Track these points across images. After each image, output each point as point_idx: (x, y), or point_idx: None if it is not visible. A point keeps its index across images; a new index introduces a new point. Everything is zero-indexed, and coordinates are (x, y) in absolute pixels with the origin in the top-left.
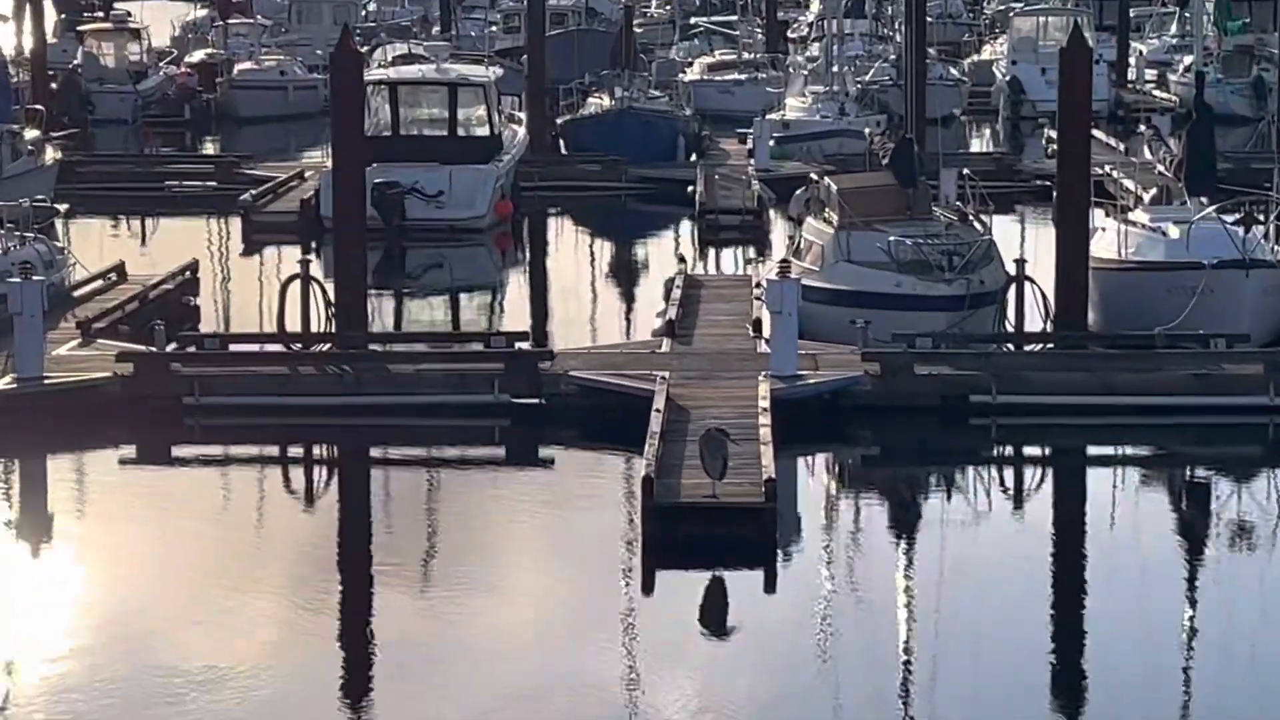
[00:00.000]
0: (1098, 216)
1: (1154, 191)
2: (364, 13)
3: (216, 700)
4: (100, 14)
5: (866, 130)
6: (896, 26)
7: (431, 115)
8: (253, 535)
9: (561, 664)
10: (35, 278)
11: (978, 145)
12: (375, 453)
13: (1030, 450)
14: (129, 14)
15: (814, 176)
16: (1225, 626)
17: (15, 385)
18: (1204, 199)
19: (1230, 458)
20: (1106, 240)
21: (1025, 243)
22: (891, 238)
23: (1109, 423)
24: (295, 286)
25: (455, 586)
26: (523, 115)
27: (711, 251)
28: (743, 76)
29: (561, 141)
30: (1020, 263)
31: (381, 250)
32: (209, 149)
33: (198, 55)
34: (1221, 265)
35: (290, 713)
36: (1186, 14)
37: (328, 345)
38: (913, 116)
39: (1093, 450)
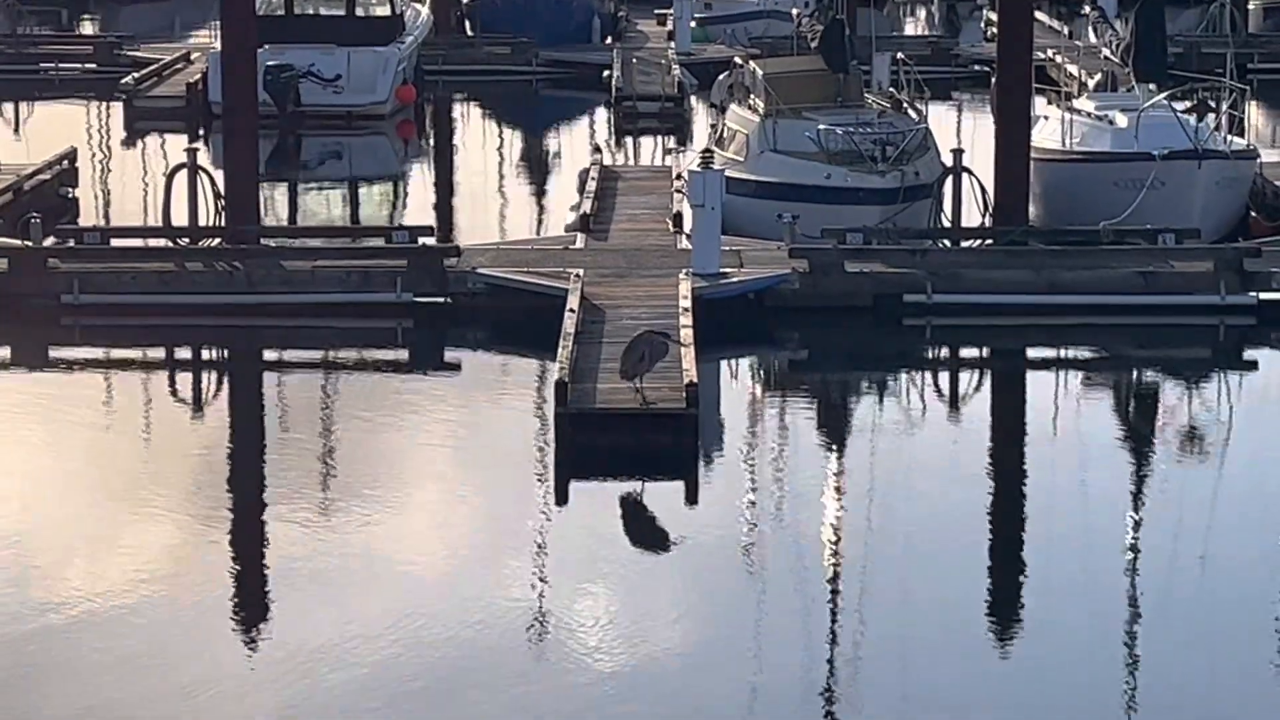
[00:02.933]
0: (1039, 104)
1: (1098, 77)
2: None
3: (102, 624)
4: None
5: (794, 11)
6: None
7: None
8: (138, 445)
9: (470, 581)
10: None
11: (912, 28)
12: (269, 356)
13: (967, 352)
14: None
15: (738, 61)
16: (1171, 536)
17: None
18: (1153, 85)
19: (1178, 360)
20: (1049, 129)
21: (963, 132)
22: (821, 126)
23: (1050, 323)
24: (182, 177)
25: (355, 499)
26: None
27: (629, 141)
28: None
29: (468, 22)
30: (957, 153)
31: (274, 138)
32: (87, 29)
33: None
34: (1172, 156)
35: (182, 635)
36: None
37: (217, 240)
38: None
39: (1033, 352)
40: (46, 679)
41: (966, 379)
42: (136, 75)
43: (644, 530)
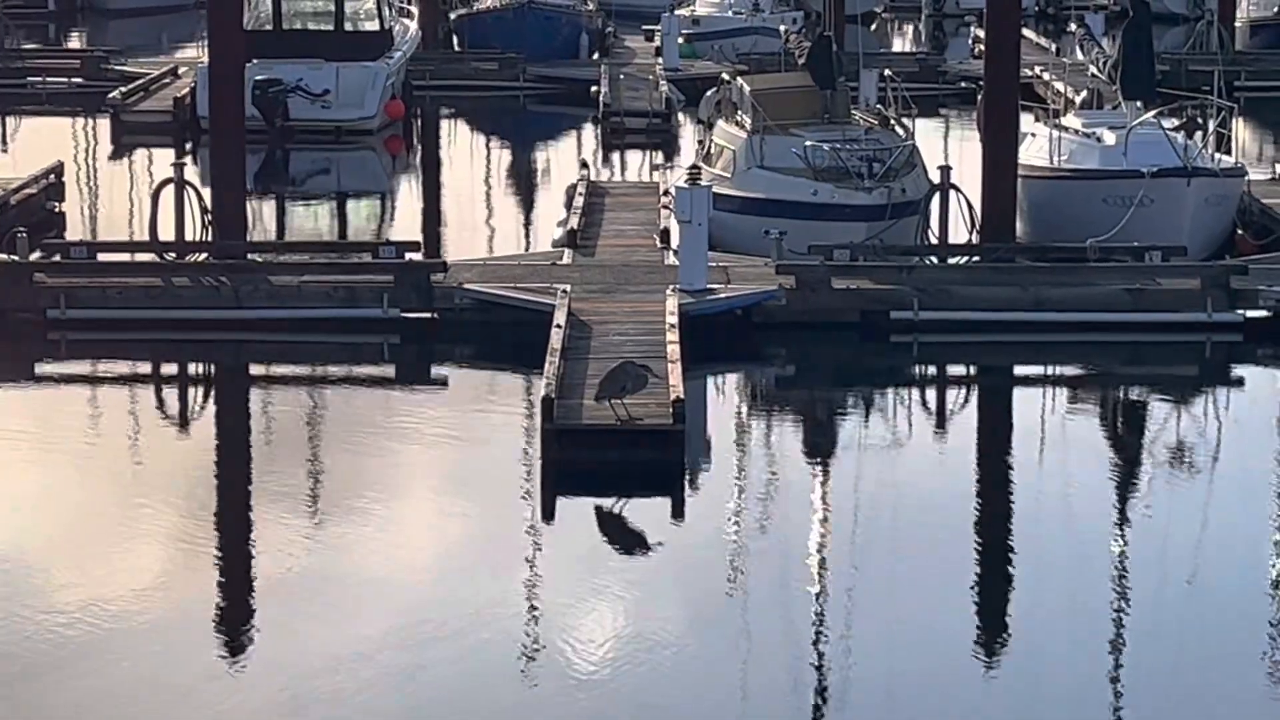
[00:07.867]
0: (1026, 121)
1: (1084, 95)
2: None
3: (87, 642)
4: None
5: (782, 28)
6: None
7: (316, 8)
8: (124, 460)
9: (457, 596)
10: None
11: (900, 44)
12: (256, 371)
13: (954, 369)
14: None
15: (725, 77)
16: (1158, 555)
17: None
18: (1140, 103)
19: (1165, 377)
20: (1036, 146)
21: (950, 149)
22: (808, 143)
23: (1038, 340)
24: (169, 191)
25: (342, 515)
26: (414, 9)
27: (616, 157)
28: None
29: (456, 38)
30: (944, 170)
31: (262, 153)
32: (75, 43)
33: None
34: (1162, 173)
35: (171, 651)
36: None
37: (204, 255)
38: (831, 13)
39: (1020, 369)
40: (34, 697)
41: (953, 396)
42: (124, 89)
43: (630, 546)
